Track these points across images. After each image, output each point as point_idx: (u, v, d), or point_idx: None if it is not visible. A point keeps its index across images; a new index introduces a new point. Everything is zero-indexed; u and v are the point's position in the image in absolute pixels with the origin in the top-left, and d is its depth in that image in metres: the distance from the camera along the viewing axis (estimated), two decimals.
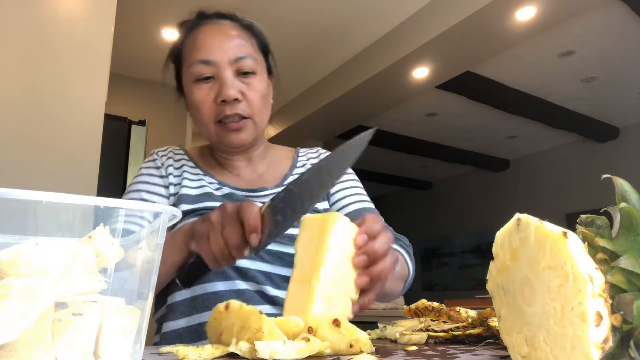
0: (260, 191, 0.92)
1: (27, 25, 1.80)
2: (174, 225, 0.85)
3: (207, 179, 0.93)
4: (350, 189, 0.99)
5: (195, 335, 0.81)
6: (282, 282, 0.85)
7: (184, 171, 0.94)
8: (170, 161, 0.96)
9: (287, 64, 4.12)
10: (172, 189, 0.91)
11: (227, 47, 0.87)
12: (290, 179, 0.97)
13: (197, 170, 0.94)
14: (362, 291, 0.58)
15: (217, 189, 0.91)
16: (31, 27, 1.80)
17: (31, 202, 0.28)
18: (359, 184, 1.02)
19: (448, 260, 7.40)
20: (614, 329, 0.32)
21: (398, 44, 3.64)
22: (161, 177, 0.92)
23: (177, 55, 0.94)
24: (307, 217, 0.58)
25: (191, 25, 0.93)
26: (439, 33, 3.26)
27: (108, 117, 1.98)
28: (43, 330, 0.27)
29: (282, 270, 0.85)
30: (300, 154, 1.05)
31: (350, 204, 0.96)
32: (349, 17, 3.57)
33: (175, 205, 0.88)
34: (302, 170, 1.01)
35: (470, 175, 7.27)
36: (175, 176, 0.93)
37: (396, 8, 3.48)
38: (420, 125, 5.44)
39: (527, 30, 3.22)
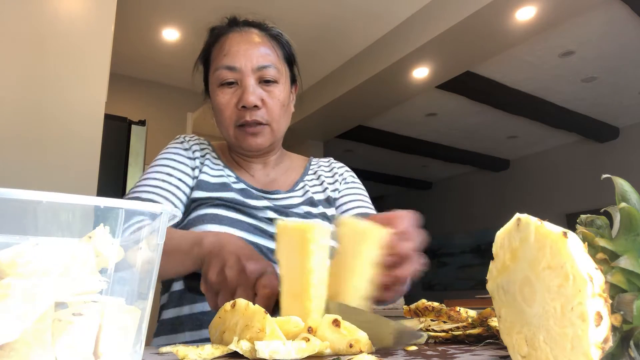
0: (275, 193, 0.95)
1: (27, 25, 1.80)
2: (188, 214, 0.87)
3: (227, 171, 0.96)
4: (354, 195, 1.02)
5: (198, 323, 0.82)
6: None
7: (207, 159, 0.97)
8: (196, 147, 0.99)
9: None
10: (196, 172, 0.94)
11: (251, 55, 0.90)
12: (301, 184, 1.00)
13: (219, 162, 0.98)
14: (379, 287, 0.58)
15: (234, 182, 0.94)
16: (31, 27, 1.80)
17: (31, 202, 0.28)
18: (363, 190, 1.06)
19: (448, 260, 7.39)
20: (614, 329, 0.32)
21: (398, 44, 3.64)
22: (189, 158, 0.95)
23: (205, 59, 0.98)
24: (282, 225, 0.55)
25: (220, 31, 0.96)
26: (439, 33, 3.26)
27: (108, 117, 1.98)
28: (43, 330, 0.27)
29: None
30: (312, 163, 1.09)
31: (353, 208, 0.99)
32: (349, 17, 3.57)
33: (193, 189, 0.90)
34: (312, 177, 1.04)
35: (470, 175, 7.27)
36: (200, 162, 0.96)
37: (396, 8, 3.48)
38: (420, 125, 5.44)
39: (527, 30, 3.22)
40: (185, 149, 0.97)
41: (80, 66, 1.88)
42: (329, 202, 1.00)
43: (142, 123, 2.74)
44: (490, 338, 0.52)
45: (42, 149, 1.75)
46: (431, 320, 0.64)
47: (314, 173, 1.05)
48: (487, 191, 7.00)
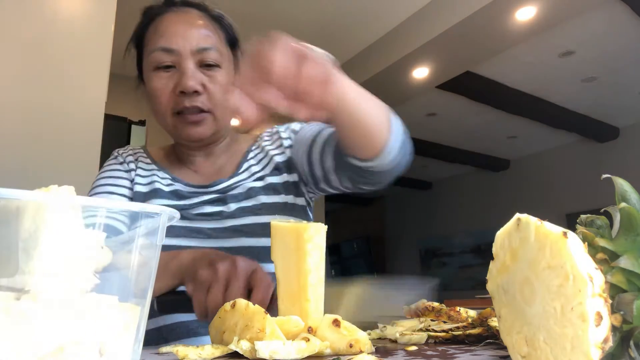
0: (214, 185, 0.89)
1: (27, 25, 1.79)
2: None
3: (161, 174, 0.91)
4: (306, 128, 0.93)
5: (184, 332, 0.79)
6: None
7: (139, 167, 0.92)
8: (130, 158, 0.95)
9: None
10: (133, 184, 0.91)
11: (190, 36, 0.83)
12: (245, 165, 0.93)
13: (152, 166, 0.93)
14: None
15: (168, 185, 0.89)
16: (31, 27, 1.80)
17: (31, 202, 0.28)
18: (314, 124, 0.96)
19: (448, 260, 7.39)
20: (614, 329, 0.32)
21: (398, 44, 3.64)
22: (126, 171, 0.92)
23: (139, 41, 0.90)
24: (276, 225, 0.54)
25: (156, 11, 0.89)
26: (439, 33, 3.26)
27: (108, 117, 1.98)
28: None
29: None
30: (258, 138, 1.01)
31: (312, 135, 0.89)
32: (348, 17, 3.57)
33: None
34: (257, 152, 0.96)
35: (470, 175, 7.27)
36: (135, 173, 0.92)
37: (396, 8, 3.48)
38: (420, 125, 5.44)
39: (527, 30, 3.22)
40: (121, 163, 0.93)
41: (80, 66, 1.88)
42: (279, 168, 0.92)
43: (142, 123, 2.74)
44: (490, 338, 0.52)
45: (42, 148, 1.75)
46: (431, 320, 0.64)
47: (258, 147, 0.97)
48: (487, 191, 7.00)
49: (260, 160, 0.95)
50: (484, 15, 3.05)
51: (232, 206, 0.86)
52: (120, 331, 0.30)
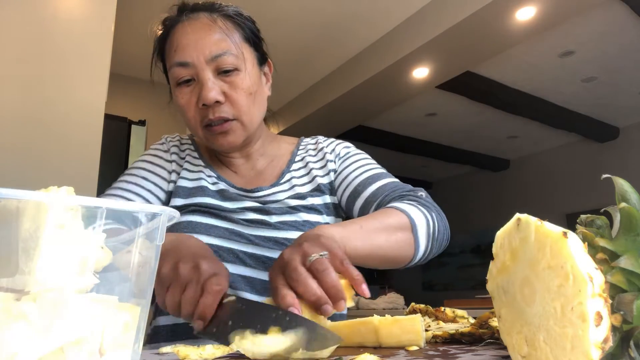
0: (255, 191, 0.90)
1: (27, 25, 1.79)
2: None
3: (207, 171, 0.92)
4: (354, 165, 0.95)
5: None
6: (263, 288, 0.82)
7: (186, 161, 0.93)
8: (176, 149, 0.96)
9: (287, 64, 4.12)
10: (173, 176, 0.91)
11: (202, 45, 0.81)
12: (287, 176, 0.94)
13: (199, 162, 0.94)
14: None
15: (213, 183, 0.90)
16: (31, 27, 1.80)
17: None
18: (363, 155, 0.98)
19: (448, 260, 7.39)
20: (614, 329, 0.32)
21: (398, 44, 3.63)
22: (167, 161, 0.93)
23: (161, 55, 0.91)
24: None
25: (170, 22, 0.88)
26: (439, 33, 3.26)
27: (108, 117, 1.98)
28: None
29: (264, 275, 0.81)
30: (300, 147, 1.01)
31: (358, 176, 0.92)
32: (349, 17, 3.57)
33: (171, 196, 0.88)
34: (299, 164, 0.96)
35: (470, 175, 7.27)
36: (177, 164, 0.93)
37: (396, 8, 3.48)
38: (420, 125, 5.44)
39: (527, 30, 3.22)
40: (165, 151, 0.95)
41: (80, 66, 1.88)
42: (321, 190, 0.93)
43: (142, 123, 2.74)
44: (491, 338, 0.52)
45: (42, 148, 1.75)
46: (432, 320, 0.64)
47: (302, 160, 0.97)
48: (487, 191, 7.00)
49: (303, 175, 0.95)
50: (484, 15, 3.04)
51: (275, 218, 0.87)
52: (120, 331, 0.30)
